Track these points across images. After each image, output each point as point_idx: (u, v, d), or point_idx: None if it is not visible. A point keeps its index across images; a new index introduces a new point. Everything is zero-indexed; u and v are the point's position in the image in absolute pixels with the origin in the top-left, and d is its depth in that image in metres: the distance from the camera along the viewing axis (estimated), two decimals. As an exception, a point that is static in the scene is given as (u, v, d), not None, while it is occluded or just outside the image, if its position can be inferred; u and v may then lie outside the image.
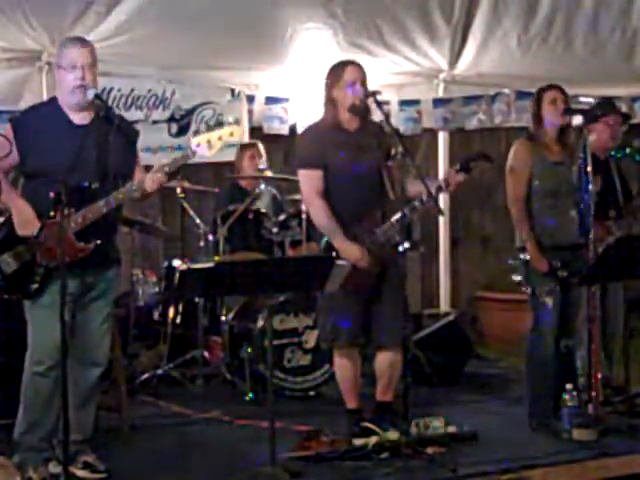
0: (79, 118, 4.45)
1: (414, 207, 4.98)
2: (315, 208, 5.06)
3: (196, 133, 6.91)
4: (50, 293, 4.33)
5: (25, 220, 4.33)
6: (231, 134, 4.56)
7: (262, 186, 7.02)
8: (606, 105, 6.03)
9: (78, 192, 4.30)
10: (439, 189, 4.97)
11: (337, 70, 5.08)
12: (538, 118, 5.33)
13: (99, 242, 4.38)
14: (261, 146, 7.11)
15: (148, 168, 4.55)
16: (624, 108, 7.97)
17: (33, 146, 4.38)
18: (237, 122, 7.29)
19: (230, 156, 7.22)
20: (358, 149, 5.03)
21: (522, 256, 5.26)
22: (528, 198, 5.29)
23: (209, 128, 6.68)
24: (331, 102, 5.07)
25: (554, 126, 5.31)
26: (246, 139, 7.47)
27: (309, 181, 5.04)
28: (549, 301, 5.22)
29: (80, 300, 4.48)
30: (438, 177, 5.05)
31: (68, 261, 4.18)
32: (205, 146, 4.47)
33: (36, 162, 4.38)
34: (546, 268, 5.19)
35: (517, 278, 5.37)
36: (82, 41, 4.51)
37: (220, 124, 7.15)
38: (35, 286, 4.36)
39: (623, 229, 5.73)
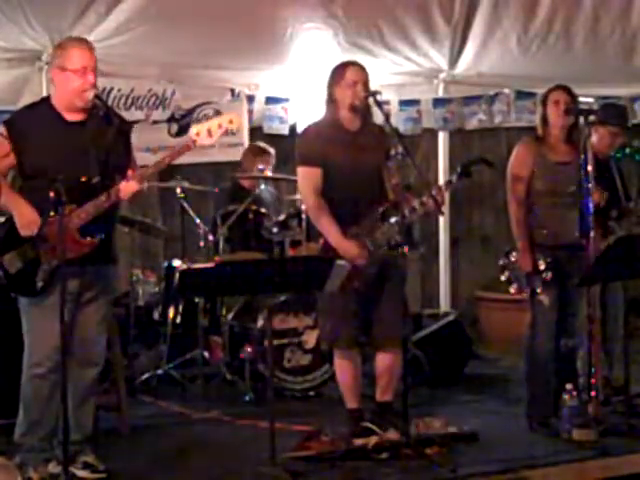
0: (73, 117, 4.45)
1: (414, 209, 4.98)
2: (313, 206, 5.06)
3: (196, 122, 6.90)
4: (53, 293, 4.32)
5: (27, 221, 4.32)
6: (230, 121, 4.56)
7: (262, 186, 7.02)
8: (618, 112, 6.02)
9: (79, 187, 4.30)
10: (434, 199, 4.93)
11: (339, 70, 5.08)
12: (544, 119, 5.35)
13: (103, 236, 4.40)
14: (273, 153, 7.10)
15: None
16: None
17: (29, 146, 4.38)
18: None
19: (230, 156, 7.23)
20: (358, 149, 5.03)
21: (511, 256, 5.29)
22: (529, 197, 5.31)
23: (208, 118, 6.67)
24: (332, 102, 5.07)
25: (557, 127, 5.32)
26: (246, 139, 7.47)
27: (308, 179, 5.04)
28: (544, 299, 5.23)
29: (78, 300, 4.48)
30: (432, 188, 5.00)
31: (72, 257, 4.19)
32: (205, 134, 4.47)
33: (33, 162, 4.37)
34: (529, 268, 5.21)
35: (503, 277, 5.39)
36: (86, 42, 4.51)
37: (219, 113, 7.14)
38: (40, 284, 4.36)
39: (624, 229, 5.73)
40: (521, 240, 5.27)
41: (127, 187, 4.38)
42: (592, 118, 5.23)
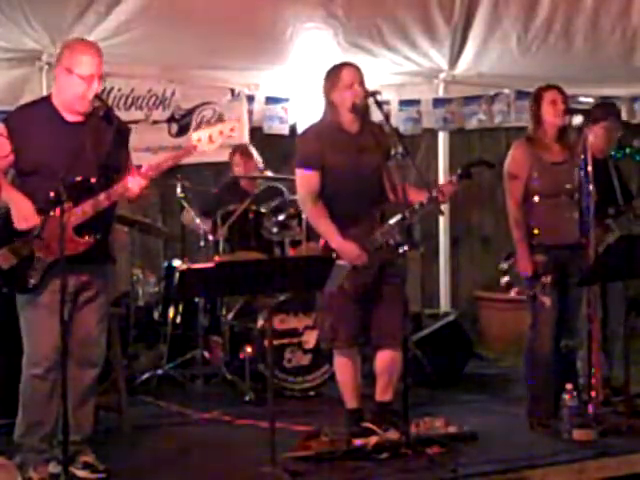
0: (72, 116, 4.44)
1: (414, 210, 4.98)
2: (310, 209, 5.06)
3: (197, 128, 6.91)
4: (48, 292, 4.33)
5: (24, 215, 4.32)
6: (232, 129, 4.57)
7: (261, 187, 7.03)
8: (607, 108, 6.04)
9: (76, 187, 4.30)
10: (434, 201, 4.94)
11: (334, 73, 5.07)
12: (537, 118, 5.33)
13: (99, 236, 4.40)
14: (252, 148, 7.07)
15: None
16: (624, 108, 7.99)
17: (28, 144, 4.37)
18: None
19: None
20: (359, 151, 5.02)
21: (511, 261, 5.30)
22: (527, 199, 5.30)
23: (210, 124, 6.68)
24: (331, 106, 5.06)
25: (554, 126, 5.32)
26: (246, 139, 7.46)
27: (306, 182, 5.04)
28: (546, 301, 5.23)
29: (76, 299, 4.48)
30: (433, 187, 5.01)
31: (67, 255, 4.19)
32: (206, 141, 4.48)
33: (32, 160, 4.36)
34: (529, 272, 5.21)
35: (504, 281, 5.40)
36: (97, 49, 4.45)
37: (221, 119, 7.15)
38: (33, 281, 4.36)
39: (622, 228, 5.74)
40: (520, 243, 5.26)
41: (134, 182, 4.38)
42: (588, 118, 5.24)
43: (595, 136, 5.80)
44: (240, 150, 7.03)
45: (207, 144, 4.48)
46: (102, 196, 4.36)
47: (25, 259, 4.35)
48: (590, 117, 5.41)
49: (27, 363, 4.47)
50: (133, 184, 4.38)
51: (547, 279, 5.21)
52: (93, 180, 4.37)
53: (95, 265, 4.50)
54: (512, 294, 5.39)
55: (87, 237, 4.37)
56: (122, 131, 4.55)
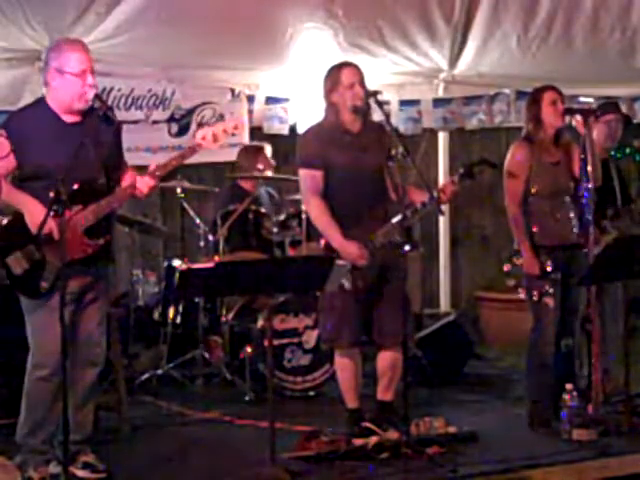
0: (71, 118, 4.44)
1: (415, 210, 4.98)
2: (314, 208, 5.06)
3: (200, 126, 6.92)
4: (57, 295, 4.31)
5: (38, 219, 4.30)
6: (235, 127, 4.60)
7: (261, 188, 7.03)
8: (608, 105, 6.04)
9: (84, 189, 4.31)
10: (436, 201, 4.94)
11: (334, 74, 5.07)
12: (537, 119, 5.33)
13: (109, 237, 4.42)
14: (268, 148, 7.10)
15: (147, 168, 4.57)
16: (624, 108, 7.97)
17: (29, 148, 4.37)
18: (237, 122, 7.28)
19: (230, 156, 7.22)
20: (361, 150, 5.03)
21: (516, 260, 5.29)
22: (526, 199, 5.30)
23: (211, 124, 6.69)
24: (332, 106, 5.06)
25: (553, 127, 5.32)
26: (246, 139, 7.46)
27: (309, 181, 5.05)
28: (550, 302, 5.23)
29: (80, 300, 4.48)
30: (434, 187, 5.02)
31: (78, 257, 4.24)
32: (211, 139, 4.50)
33: (33, 164, 4.36)
34: (538, 271, 5.21)
35: (511, 283, 5.40)
36: (82, 44, 4.51)
37: (221, 119, 7.16)
38: (45, 285, 4.36)
39: (618, 229, 5.73)
40: (523, 243, 5.25)
41: (143, 182, 4.42)
42: (589, 116, 5.24)
43: (598, 132, 5.79)
44: (256, 148, 7.06)
45: (211, 143, 4.51)
46: (111, 198, 4.38)
47: (37, 263, 4.36)
48: (589, 114, 5.41)
49: (32, 365, 4.47)
50: (142, 184, 4.41)
51: (557, 276, 5.20)
52: (101, 182, 4.38)
53: (99, 266, 4.51)
54: (521, 295, 5.38)
55: (99, 239, 4.39)
56: (118, 130, 4.56)
